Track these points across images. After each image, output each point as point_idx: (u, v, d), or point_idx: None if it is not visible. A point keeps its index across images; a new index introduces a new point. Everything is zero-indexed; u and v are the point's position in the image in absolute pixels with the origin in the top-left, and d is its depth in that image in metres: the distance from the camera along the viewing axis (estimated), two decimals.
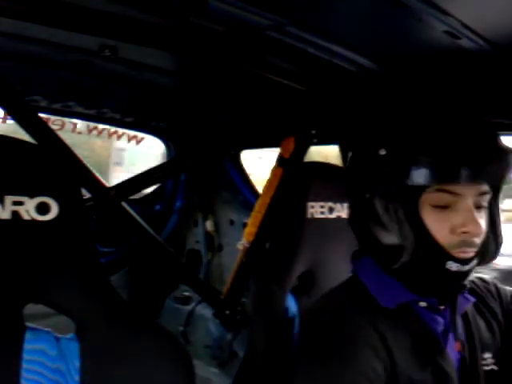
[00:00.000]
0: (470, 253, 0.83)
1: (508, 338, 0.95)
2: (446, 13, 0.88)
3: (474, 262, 0.85)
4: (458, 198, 0.82)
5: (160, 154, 2.72)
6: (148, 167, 1.67)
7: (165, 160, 2.45)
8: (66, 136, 1.33)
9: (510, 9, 0.85)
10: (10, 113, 1.28)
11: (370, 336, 0.83)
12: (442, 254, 0.82)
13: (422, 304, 0.88)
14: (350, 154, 0.97)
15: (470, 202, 0.82)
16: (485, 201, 0.85)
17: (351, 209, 0.97)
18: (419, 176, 0.79)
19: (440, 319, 0.89)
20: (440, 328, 0.88)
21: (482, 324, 0.95)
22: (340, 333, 0.84)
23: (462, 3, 0.87)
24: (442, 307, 0.89)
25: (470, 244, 0.82)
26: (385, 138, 0.87)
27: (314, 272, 1.34)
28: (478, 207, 0.84)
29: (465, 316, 0.94)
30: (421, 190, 0.82)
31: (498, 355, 0.92)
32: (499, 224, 0.90)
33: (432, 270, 0.83)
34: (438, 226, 0.82)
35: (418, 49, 1.10)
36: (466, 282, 0.88)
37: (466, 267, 0.83)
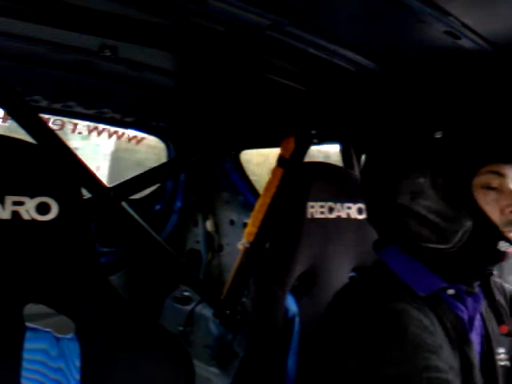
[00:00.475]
0: None
1: None
2: (446, 13, 0.88)
3: None
4: (503, 180, 0.86)
5: (109, 152, 2.70)
6: (97, 166, 1.64)
7: (111, 158, 2.44)
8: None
9: (510, 9, 0.85)
10: (10, 113, 1.28)
11: (422, 321, 0.82)
12: (496, 233, 0.85)
13: (450, 292, 0.89)
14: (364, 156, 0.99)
15: None
16: None
17: (378, 197, 0.95)
18: (477, 156, 0.85)
19: (463, 308, 0.90)
20: (465, 317, 0.90)
21: (493, 319, 0.96)
22: (395, 322, 0.81)
23: (462, 3, 0.87)
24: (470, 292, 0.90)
25: None
26: (441, 121, 0.90)
27: (314, 272, 1.34)
28: None
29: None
30: (473, 172, 0.86)
31: (510, 352, 0.94)
32: None
33: (484, 251, 0.86)
34: (491, 207, 0.85)
35: (418, 49, 1.10)
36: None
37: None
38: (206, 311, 2.23)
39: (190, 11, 1.03)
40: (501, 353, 0.92)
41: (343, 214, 1.38)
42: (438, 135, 0.88)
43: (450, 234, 0.85)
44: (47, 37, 1.31)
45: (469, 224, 0.85)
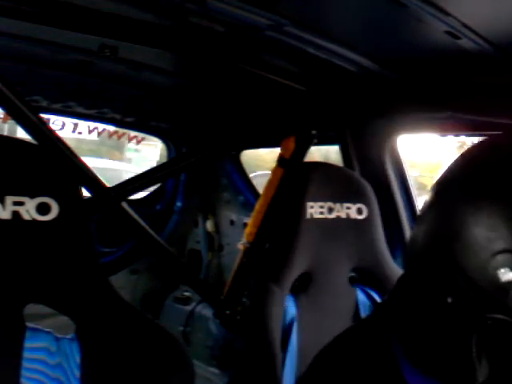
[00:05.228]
0: None
1: None
2: (446, 13, 0.88)
3: None
4: None
5: (154, 161, 2.72)
6: None
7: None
8: None
9: (510, 9, 0.84)
10: (10, 113, 1.28)
11: None
12: None
13: None
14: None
15: None
16: None
17: None
18: None
19: None
20: None
21: None
22: None
23: (462, 3, 0.87)
24: None
25: None
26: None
27: (314, 272, 1.34)
28: None
29: None
30: None
31: None
32: None
33: None
34: None
35: (418, 49, 1.10)
36: None
37: None
38: (206, 311, 2.23)
39: (190, 11, 1.03)
40: None
41: (343, 215, 1.38)
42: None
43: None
44: (47, 37, 1.31)
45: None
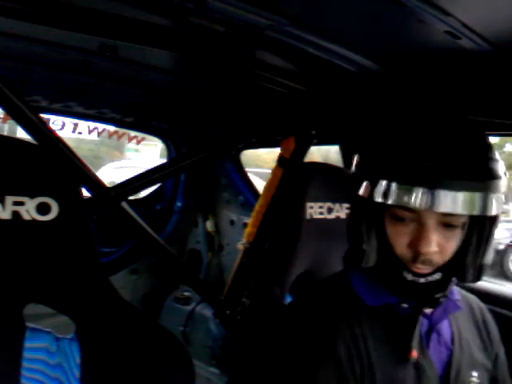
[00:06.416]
0: (425, 270, 0.83)
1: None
2: (446, 13, 0.88)
3: (434, 277, 0.84)
4: (418, 213, 0.81)
5: (155, 161, 2.75)
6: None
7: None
8: None
9: (510, 9, 0.84)
10: (10, 113, 1.28)
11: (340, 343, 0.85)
12: (398, 264, 0.84)
13: (404, 305, 0.89)
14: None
15: (429, 218, 0.81)
16: (457, 220, 0.82)
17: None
18: (378, 196, 0.83)
19: (424, 320, 0.90)
20: (424, 329, 0.90)
21: (476, 342, 0.96)
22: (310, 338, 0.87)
23: (462, 3, 0.87)
24: (428, 310, 0.90)
25: (424, 261, 0.82)
26: (357, 159, 0.94)
27: (313, 272, 1.34)
28: (447, 225, 0.82)
29: (458, 327, 0.95)
30: (384, 205, 0.83)
31: (486, 380, 0.93)
32: (484, 246, 0.87)
33: (391, 277, 0.86)
34: (397, 238, 0.84)
35: (418, 49, 1.10)
36: (439, 295, 0.87)
37: (422, 280, 0.84)
38: (206, 311, 2.24)
39: (190, 11, 1.03)
40: (474, 375, 0.91)
41: (342, 215, 1.38)
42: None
43: (362, 256, 0.88)
44: (47, 37, 1.31)
45: (374, 251, 0.87)
